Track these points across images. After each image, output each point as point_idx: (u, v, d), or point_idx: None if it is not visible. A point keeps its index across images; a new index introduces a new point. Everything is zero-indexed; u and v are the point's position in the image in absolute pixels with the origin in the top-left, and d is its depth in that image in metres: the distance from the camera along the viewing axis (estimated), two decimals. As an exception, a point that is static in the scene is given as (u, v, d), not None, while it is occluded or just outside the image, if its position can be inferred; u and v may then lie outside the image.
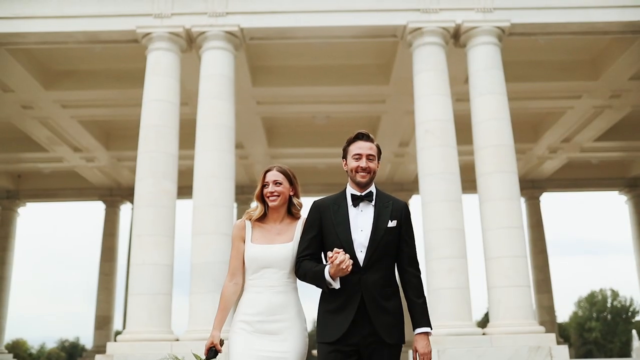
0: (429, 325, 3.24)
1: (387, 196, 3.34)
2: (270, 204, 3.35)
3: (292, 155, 18.54)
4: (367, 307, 3.09)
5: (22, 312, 77.90)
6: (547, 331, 19.11)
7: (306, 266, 3.20)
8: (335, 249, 3.02)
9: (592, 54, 13.93)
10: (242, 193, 20.00)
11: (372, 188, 3.30)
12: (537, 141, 17.54)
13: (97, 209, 58.86)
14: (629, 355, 24.45)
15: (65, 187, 21.01)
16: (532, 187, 20.99)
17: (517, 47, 12.87)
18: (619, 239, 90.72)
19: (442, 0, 11.29)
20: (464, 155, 13.07)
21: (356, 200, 3.25)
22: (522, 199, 21.39)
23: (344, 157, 3.35)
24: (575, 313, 54.93)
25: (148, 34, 11.23)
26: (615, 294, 53.30)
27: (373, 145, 3.31)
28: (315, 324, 3.21)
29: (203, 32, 11.23)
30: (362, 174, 3.24)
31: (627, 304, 52.13)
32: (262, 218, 3.40)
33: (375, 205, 3.25)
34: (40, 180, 20.83)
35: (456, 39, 11.63)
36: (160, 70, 11.17)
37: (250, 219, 3.40)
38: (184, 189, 12.51)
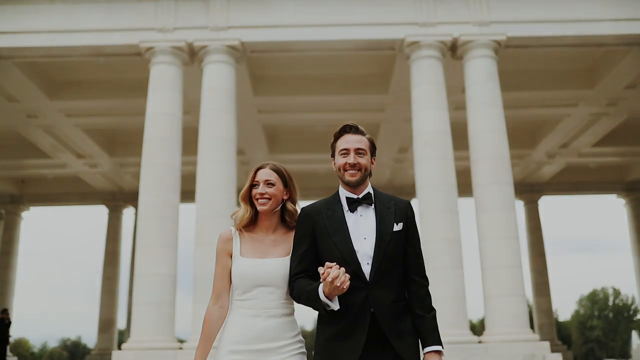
0: (439, 342, 2.67)
1: (387, 196, 2.85)
2: (259, 207, 2.82)
3: (292, 160, 18.70)
4: (380, 329, 2.59)
5: (24, 312, 78.41)
6: (546, 334, 19.52)
7: (300, 285, 2.68)
8: (327, 263, 2.50)
9: (588, 63, 14.11)
10: (244, 198, 20.20)
11: (369, 188, 2.81)
12: (535, 147, 17.73)
13: (100, 213, 59.09)
14: (629, 354, 24.58)
15: (68, 191, 21.22)
16: (530, 190, 21.16)
17: (514, 57, 13.04)
18: (620, 238, 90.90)
19: (440, 14, 11.48)
20: (463, 161, 13.26)
21: (353, 204, 2.75)
22: (521, 203, 21.58)
23: (332, 155, 2.87)
24: (576, 311, 55.08)
25: (151, 47, 11.43)
26: (617, 292, 53.42)
27: (363, 138, 2.80)
28: (314, 353, 2.76)
29: (205, 46, 11.43)
30: (351, 171, 2.75)
31: (629, 302, 52.25)
32: (251, 226, 2.88)
33: (375, 208, 2.75)
34: (44, 185, 21.04)
35: (453, 52, 11.81)
36: (163, 84, 11.37)
37: (238, 227, 2.86)
38: (186, 194, 12.69)
